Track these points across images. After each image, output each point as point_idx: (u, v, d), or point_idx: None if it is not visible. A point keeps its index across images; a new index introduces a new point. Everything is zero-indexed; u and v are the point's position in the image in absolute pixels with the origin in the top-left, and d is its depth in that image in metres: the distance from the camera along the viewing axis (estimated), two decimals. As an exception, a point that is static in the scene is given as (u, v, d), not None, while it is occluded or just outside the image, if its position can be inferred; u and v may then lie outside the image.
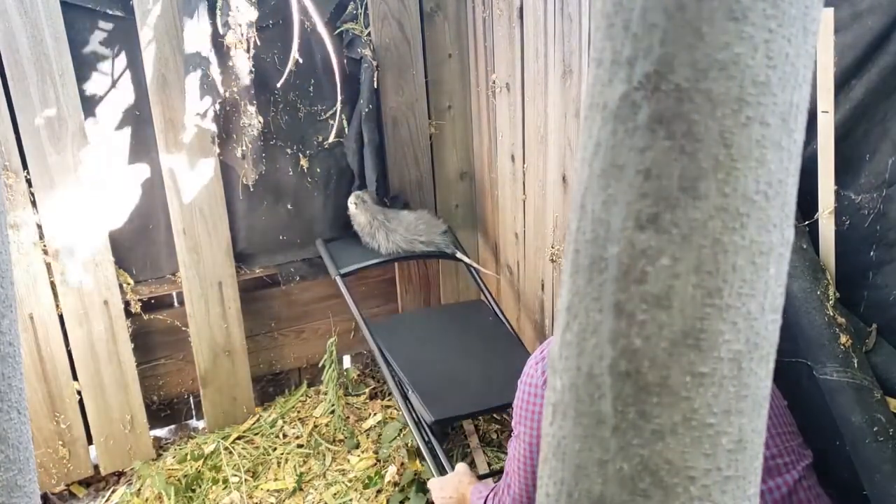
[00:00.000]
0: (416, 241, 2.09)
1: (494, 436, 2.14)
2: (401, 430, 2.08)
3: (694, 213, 0.40)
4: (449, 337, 2.03)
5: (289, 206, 2.20)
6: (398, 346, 1.90)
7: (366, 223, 2.11)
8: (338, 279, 2.03)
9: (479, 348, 1.97)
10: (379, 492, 1.94)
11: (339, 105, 2.10)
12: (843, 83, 1.13)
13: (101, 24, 1.85)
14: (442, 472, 1.68)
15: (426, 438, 1.68)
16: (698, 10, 0.37)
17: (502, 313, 2.10)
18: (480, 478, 1.62)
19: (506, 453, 2.05)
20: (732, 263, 0.41)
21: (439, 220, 2.20)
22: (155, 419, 2.20)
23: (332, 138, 2.16)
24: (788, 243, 0.44)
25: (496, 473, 2.04)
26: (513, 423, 1.26)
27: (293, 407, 2.31)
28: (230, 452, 2.11)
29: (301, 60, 2.00)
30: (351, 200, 2.16)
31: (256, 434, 2.21)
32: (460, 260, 2.15)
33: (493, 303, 2.13)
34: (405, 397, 1.74)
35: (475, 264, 2.20)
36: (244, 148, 2.01)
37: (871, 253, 1.13)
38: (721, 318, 0.42)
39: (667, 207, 0.40)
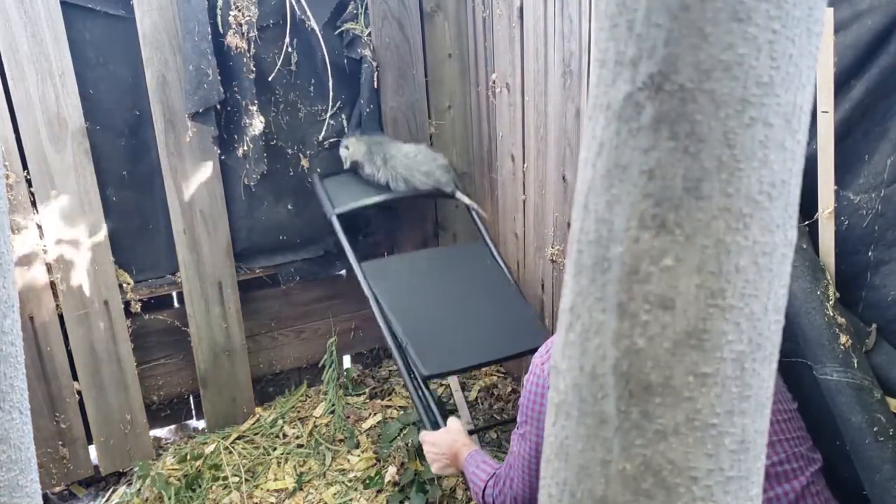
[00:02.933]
0: (416, 171, 2.05)
1: (494, 435, 2.15)
2: (401, 430, 2.08)
3: (697, 213, 0.40)
4: (446, 283, 1.96)
5: (289, 206, 2.20)
6: (394, 292, 1.84)
7: (364, 151, 2.06)
8: (333, 219, 1.99)
9: (477, 297, 1.92)
10: (379, 492, 1.94)
11: (329, 103, 2.10)
12: (843, 83, 1.14)
13: (102, 23, 1.85)
14: (435, 426, 1.66)
15: (420, 392, 1.65)
16: (702, 11, 0.37)
17: (501, 258, 2.08)
18: (470, 434, 1.59)
19: (505, 452, 2.06)
20: (735, 264, 0.41)
21: (438, 153, 2.15)
22: (155, 419, 2.20)
23: (321, 136, 2.16)
24: (791, 244, 0.44)
25: (482, 430, 2.04)
26: (518, 421, 1.26)
27: (293, 407, 2.31)
28: (230, 452, 2.11)
29: (295, 56, 2.01)
30: (343, 144, 2.12)
31: (256, 434, 2.21)
32: (459, 200, 2.10)
33: (491, 246, 2.10)
34: (400, 348, 1.70)
35: (475, 205, 2.14)
36: (245, 148, 2.01)
37: (870, 253, 1.13)
38: (724, 319, 0.42)
39: (670, 208, 0.40)
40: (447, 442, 1.52)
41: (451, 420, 1.59)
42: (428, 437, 1.57)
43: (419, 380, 1.65)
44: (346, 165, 2.13)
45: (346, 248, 1.94)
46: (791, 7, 0.38)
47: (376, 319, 1.81)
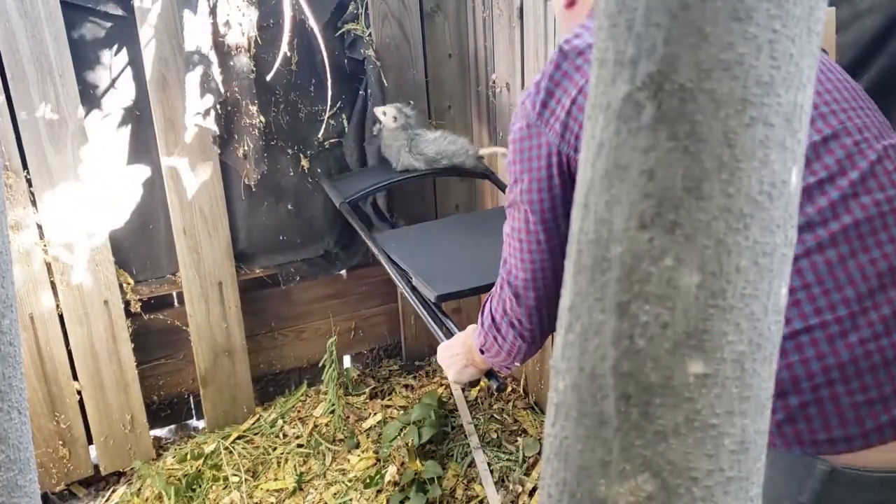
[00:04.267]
0: (443, 150, 1.98)
1: (495, 435, 2.14)
2: (401, 430, 2.08)
3: (697, 213, 0.40)
4: (456, 233, 1.91)
5: (289, 207, 2.20)
6: (404, 245, 1.80)
7: (392, 138, 2.01)
8: (343, 207, 1.95)
9: (485, 233, 1.87)
10: (379, 492, 1.94)
11: (328, 103, 2.09)
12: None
13: (102, 23, 1.85)
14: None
15: (433, 312, 1.56)
16: (702, 10, 0.37)
17: None
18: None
19: (506, 452, 2.06)
20: (736, 264, 0.41)
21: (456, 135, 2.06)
22: (155, 419, 2.20)
23: (321, 136, 2.15)
24: (792, 244, 0.44)
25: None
26: (507, 191, 1.04)
27: (293, 407, 2.31)
28: (230, 452, 2.11)
29: (289, 54, 2.01)
30: (390, 113, 2.00)
31: (256, 434, 2.21)
32: (481, 162, 2.03)
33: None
34: (410, 284, 1.64)
35: (501, 149, 2.05)
36: (245, 148, 2.01)
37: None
38: (724, 319, 0.42)
39: (670, 208, 0.40)
40: (460, 340, 1.30)
41: (470, 327, 1.35)
42: (442, 345, 1.37)
43: (431, 306, 1.60)
44: (374, 132, 2.08)
45: (358, 228, 1.91)
46: (792, 6, 0.37)
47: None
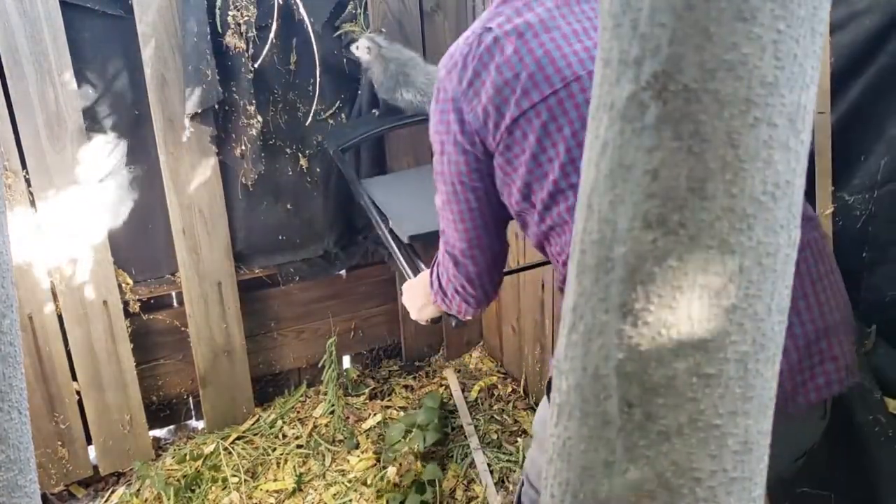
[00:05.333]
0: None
1: (494, 436, 2.14)
2: (405, 434, 2.07)
3: (701, 213, 0.40)
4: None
5: (288, 206, 2.20)
6: (385, 190, 1.80)
7: (380, 72, 1.91)
8: (336, 155, 1.91)
9: None
10: (379, 492, 1.94)
11: (315, 101, 2.08)
12: (839, 84, 1.13)
13: (101, 23, 1.84)
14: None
15: (404, 250, 1.57)
16: (707, 11, 0.37)
17: None
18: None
19: (506, 453, 2.06)
20: (739, 264, 0.41)
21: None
22: (154, 419, 2.20)
23: (320, 136, 2.15)
24: (795, 244, 0.44)
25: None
26: (434, 158, 1.06)
27: (293, 407, 2.31)
28: (229, 453, 2.11)
29: (293, 55, 2.00)
30: (363, 45, 1.89)
31: (256, 434, 2.20)
32: None
33: None
34: (388, 226, 1.64)
35: None
36: (243, 147, 2.01)
37: (864, 254, 1.13)
38: (728, 320, 0.42)
39: (674, 208, 0.40)
40: (422, 279, 1.31)
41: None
42: (405, 284, 1.38)
43: (405, 247, 1.60)
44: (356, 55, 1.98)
45: (346, 174, 1.89)
46: (796, 7, 0.37)
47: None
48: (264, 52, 1.95)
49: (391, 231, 1.61)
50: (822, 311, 0.91)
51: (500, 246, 1.10)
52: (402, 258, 1.54)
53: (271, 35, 1.93)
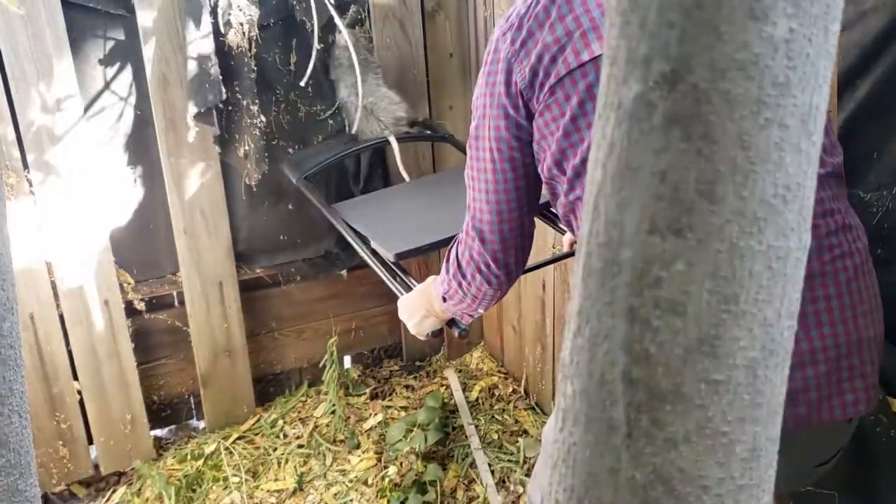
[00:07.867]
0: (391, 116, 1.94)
1: (495, 436, 2.14)
2: (406, 433, 2.07)
3: (710, 216, 0.39)
4: (415, 197, 1.89)
5: (290, 207, 2.19)
6: (360, 213, 1.79)
7: (358, 118, 1.97)
8: (300, 183, 1.89)
9: (444, 191, 1.83)
10: (380, 492, 1.94)
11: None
12: (848, 82, 1.13)
13: (102, 23, 1.84)
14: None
15: (395, 273, 1.53)
16: (717, 9, 0.36)
17: None
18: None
19: (507, 453, 2.06)
20: (749, 269, 0.40)
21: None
22: (155, 419, 2.19)
23: (321, 136, 2.14)
24: (805, 248, 0.43)
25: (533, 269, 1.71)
26: (473, 122, 1.02)
27: (294, 407, 2.31)
28: (230, 452, 2.10)
29: (294, 55, 2.00)
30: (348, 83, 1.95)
31: (257, 434, 2.20)
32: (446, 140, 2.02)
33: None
34: (370, 248, 1.61)
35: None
36: (246, 147, 2.00)
37: (879, 251, 1.13)
38: (737, 325, 0.41)
39: (682, 211, 0.39)
40: (418, 291, 1.28)
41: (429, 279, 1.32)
42: (401, 300, 1.35)
43: (391, 265, 1.58)
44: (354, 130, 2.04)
45: (316, 201, 1.86)
46: (808, 5, 0.37)
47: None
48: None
49: (373, 252, 1.59)
50: (857, 325, 0.87)
51: (529, 225, 1.06)
52: (389, 278, 1.52)
53: (314, 47, 1.91)
